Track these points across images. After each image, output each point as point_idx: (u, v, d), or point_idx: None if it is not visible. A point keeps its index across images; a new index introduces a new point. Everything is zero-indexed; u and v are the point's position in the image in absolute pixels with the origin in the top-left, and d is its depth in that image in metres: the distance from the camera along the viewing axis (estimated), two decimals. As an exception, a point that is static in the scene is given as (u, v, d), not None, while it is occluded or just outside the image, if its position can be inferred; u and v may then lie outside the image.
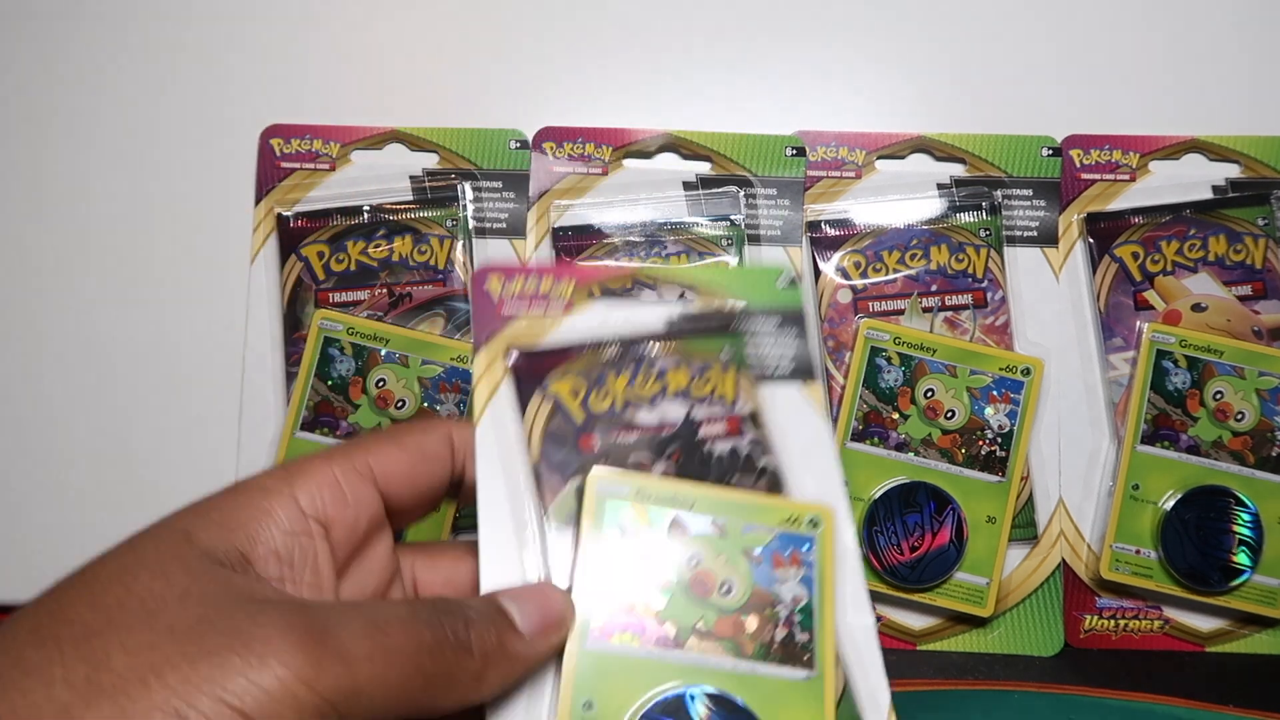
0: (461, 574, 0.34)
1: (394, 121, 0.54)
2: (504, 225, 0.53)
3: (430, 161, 0.53)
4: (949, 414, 0.49)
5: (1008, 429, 0.49)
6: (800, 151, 0.53)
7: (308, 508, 0.29)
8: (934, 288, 0.51)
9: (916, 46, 0.55)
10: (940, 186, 0.52)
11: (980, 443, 0.49)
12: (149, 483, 0.52)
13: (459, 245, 0.52)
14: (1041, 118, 0.54)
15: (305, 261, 0.52)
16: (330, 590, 0.30)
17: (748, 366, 0.36)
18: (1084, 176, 0.52)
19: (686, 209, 0.52)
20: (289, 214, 0.52)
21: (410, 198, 0.53)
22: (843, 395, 0.50)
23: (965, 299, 0.51)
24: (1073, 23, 0.56)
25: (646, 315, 0.36)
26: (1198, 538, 0.48)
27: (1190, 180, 0.52)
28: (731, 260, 0.51)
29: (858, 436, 0.50)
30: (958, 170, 0.53)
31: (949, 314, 0.51)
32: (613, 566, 0.32)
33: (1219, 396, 0.49)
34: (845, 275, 0.51)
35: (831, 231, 0.52)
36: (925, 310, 0.51)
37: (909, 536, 0.49)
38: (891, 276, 0.51)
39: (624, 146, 0.53)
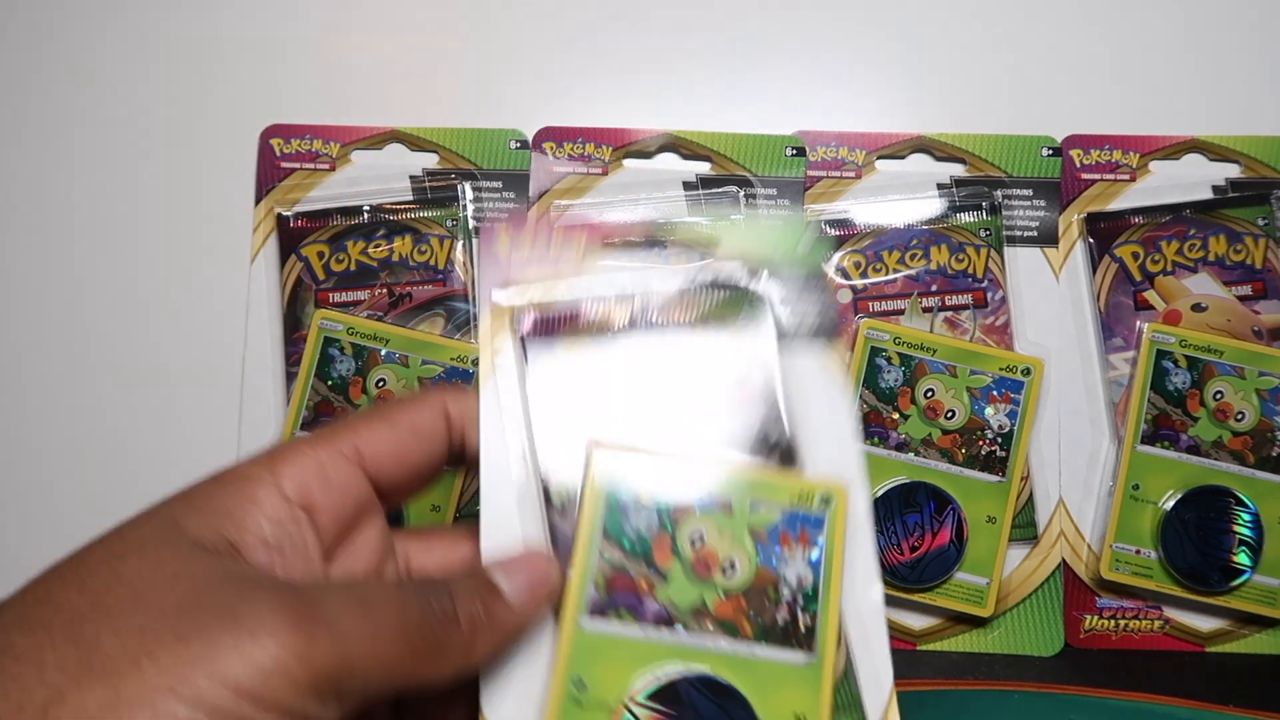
0: (456, 557, 0.33)
1: (394, 121, 0.54)
2: (504, 225, 0.53)
3: (430, 161, 0.53)
4: (949, 414, 0.49)
5: (1008, 429, 0.49)
6: (800, 151, 0.53)
7: (291, 494, 0.29)
8: (934, 288, 0.51)
9: (916, 46, 0.55)
10: (940, 186, 0.52)
11: (980, 443, 0.49)
12: (149, 483, 0.52)
13: (459, 245, 0.52)
14: (1041, 118, 0.54)
15: (305, 261, 0.52)
16: (320, 575, 0.30)
17: (764, 330, 0.34)
18: (1084, 176, 0.52)
19: (686, 209, 0.52)
20: (289, 214, 0.52)
21: (410, 198, 0.53)
22: (843, 395, 0.50)
23: (965, 299, 0.51)
24: (1073, 23, 0.56)
25: (659, 277, 0.34)
26: (1198, 538, 0.48)
27: (1190, 180, 0.52)
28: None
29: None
30: (958, 170, 0.53)
31: (949, 314, 0.51)
32: (612, 543, 0.31)
33: (1219, 396, 0.49)
34: (845, 275, 0.51)
35: (831, 231, 0.52)
36: (925, 310, 0.51)
37: (909, 536, 0.49)
38: (891, 276, 0.51)
39: (624, 146, 0.53)
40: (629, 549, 0.31)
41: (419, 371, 0.50)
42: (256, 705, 0.23)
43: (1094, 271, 0.52)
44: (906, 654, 0.50)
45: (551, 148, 0.53)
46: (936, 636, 0.50)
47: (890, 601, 0.50)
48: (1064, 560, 0.50)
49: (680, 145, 0.53)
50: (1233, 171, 0.53)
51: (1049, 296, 0.51)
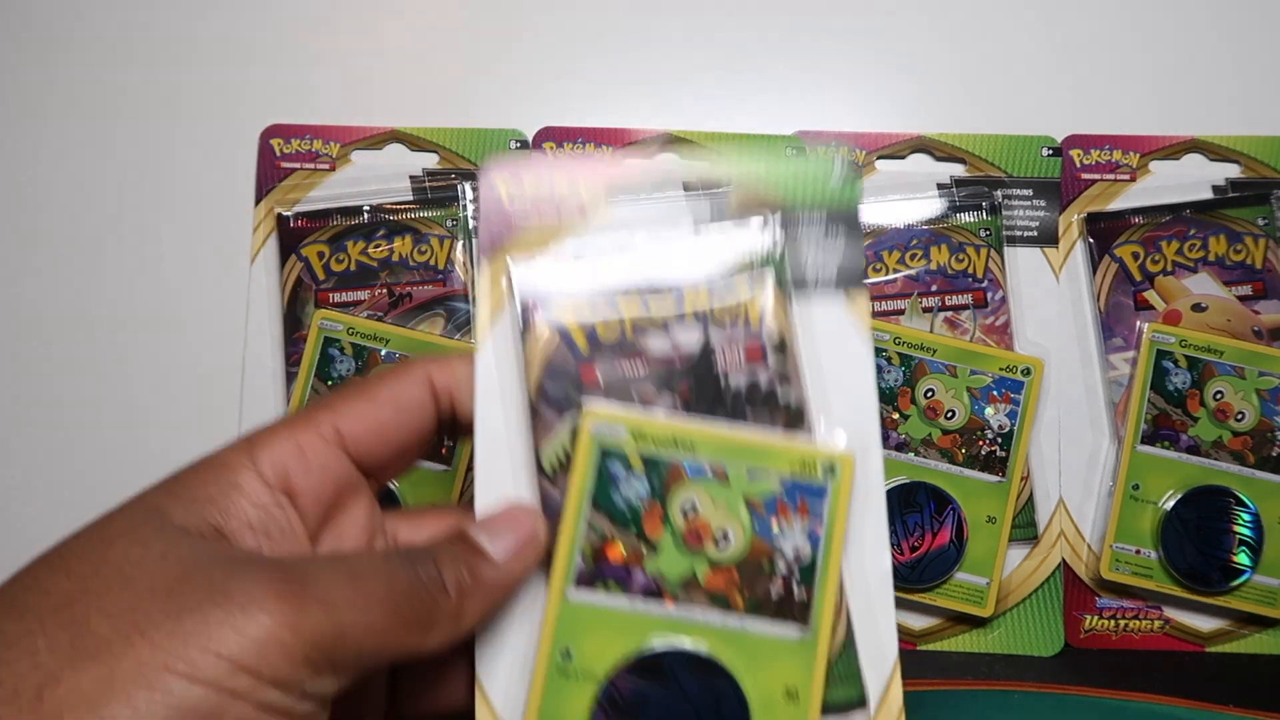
0: (445, 533, 0.33)
1: (394, 121, 0.54)
2: (504, 225, 0.53)
3: (430, 161, 0.53)
4: (949, 414, 0.49)
5: (1008, 429, 0.49)
6: (800, 151, 0.53)
7: (271, 479, 0.28)
8: (934, 288, 0.51)
9: (916, 46, 0.55)
10: (940, 186, 0.52)
11: (980, 443, 0.49)
12: (149, 483, 0.52)
13: (459, 245, 0.52)
14: (1041, 118, 0.54)
15: (305, 261, 0.52)
16: (308, 555, 0.29)
17: (782, 279, 0.32)
18: (1084, 176, 0.52)
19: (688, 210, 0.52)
20: (289, 214, 0.52)
21: (410, 198, 0.53)
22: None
23: (965, 299, 0.51)
24: (1073, 23, 0.56)
25: (670, 221, 0.32)
26: (1198, 538, 0.48)
27: (1190, 180, 0.52)
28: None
29: (858, 436, 0.50)
30: (958, 170, 0.53)
31: (949, 314, 0.51)
32: (601, 513, 0.30)
33: (1219, 396, 0.49)
34: (845, 275, 0.51)
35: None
36: (925, 310, 0.51)
37: (909, 536, 0.49)
38: (891, 276, 0.51)
39: (624, 146, 0.53)
40: (618, 519, 0.30)
41: (419, 371, 0.50)
42: (253, 677, 0.23)
43: (1094, 271, 0.52)
44: (906, 654, 0.50)
45: (551, 147, 0.53)
46: (936, 636, 0.50)
47: (890, 601, 0.50)
48: (1064, 560, 0.50)
49: (681, 145, 0.53)
50: (1233, 171, 0.53)
51: (1049, 296, 0.51)
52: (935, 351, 0.50)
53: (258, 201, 0.53)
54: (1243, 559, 0.48)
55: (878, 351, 0.50)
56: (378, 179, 0.53)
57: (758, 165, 0.33)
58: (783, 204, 0.32)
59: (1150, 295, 0.51)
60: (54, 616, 0.24)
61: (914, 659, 0.50)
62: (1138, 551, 0.49)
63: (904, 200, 0.52)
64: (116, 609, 0.24)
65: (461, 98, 0.55)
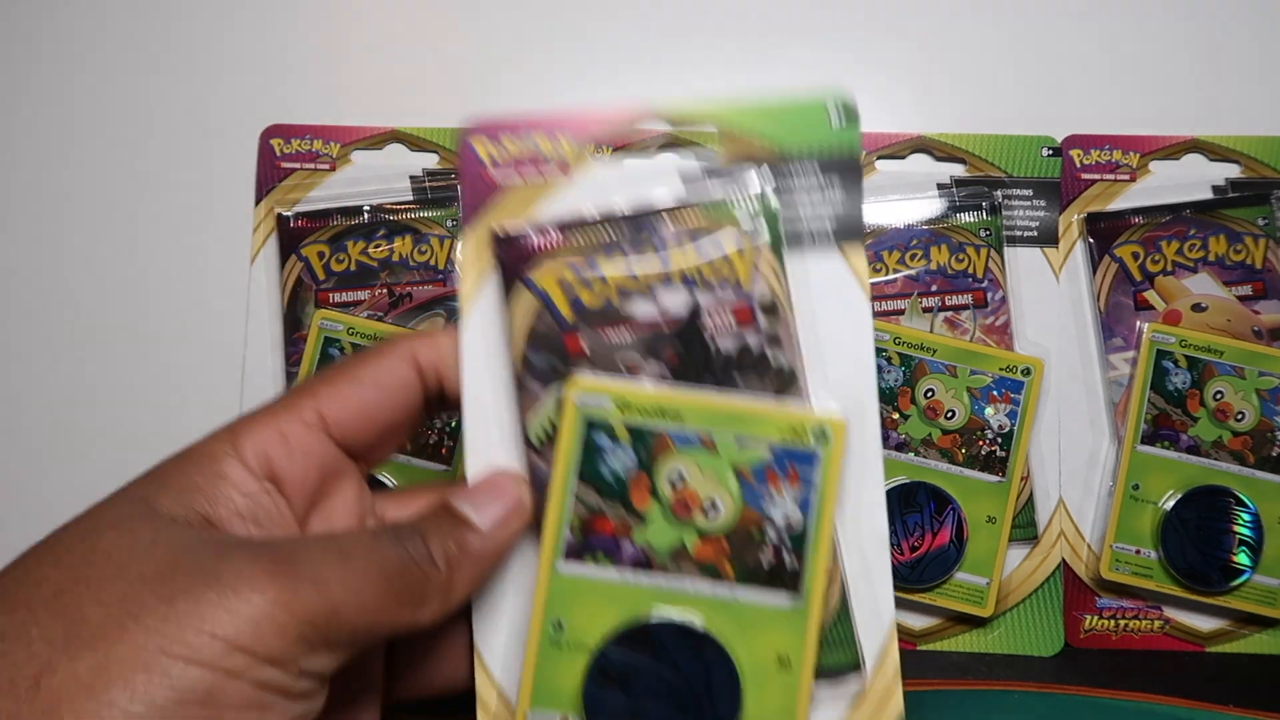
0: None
1: (394, 121, 0.54)
2: (504, 225, 0.52)
3: (430, 161, 0.53)
4: (949, 414, 0.49)
5: (1008, 429, 0.49)
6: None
7: (255, 467, 0.28)
8: (934, 288, 0.51)
9: (916, 46, 0.55)
10: (940, 186, 0.52)
11: (980, 443, 0.49)
12: (149, 483, 0.52)
13: (459, 245, 0.52)
14: (1041, 118, 0.54)
15: (305, 261, 0.52)
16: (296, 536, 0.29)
17: (773, 235, 0.31)
18: (1084, 176, 0.52)
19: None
20: (289, 214, 0.52)
21: (410, 198, 0.53)
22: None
23: (965, 299, 0.51)
24: (1073, 23, 0.56)
25: (655, 175, 0.31)
26: (1198, 538, 0.48)
27: (1190, 180, 0.52)
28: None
29: (858, 436, 0.50)
30: (958, 170, 0.53)
31: (949, 314, 0.51)
32: (588, 485, 0.30)
33: (1219, 396, 0.49)
34: (845, 275, 0.51)
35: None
36: (925, 310, 0.51)
37: (909, 536, 0.49)
38: (891, 276, 0.51)
39: (624, 146, 0.53)
40: (606, 491, 0.30)
41: (419, 371, 0.50)
42: (249, 656, 0.24)
43: (1094, 271, 0.52)
44: (906, 654, 0.50)
45: (551, 148, 0.53)
46: (936, 636, 0.50)
47: (890, 601, 0.50)
48: (1064, 560, 0.50)
49: (681, 145, 0.53)
50: (1233, 171, 0.53)
51: (1049, 296, 0.51)
52: (935, 351, 0.50)
53: (258, 201, 0.53)
54: (1243, 559, 0.48)
55: (878, 352, 0.50)
56: (378, 179, 0.53)
57: (746, 107, 0.31)
58: (774, 151, 0.31)
59: (1150, 295, 0.51)
60: (47, 607, 0.24)
61: (914, 659, 0.50)
62: (1138, 551, 0.49)
63: (904, 200, 0.52)
64: (109, 597, 0.24)
65: (461, 98, 0.55)
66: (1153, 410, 0.49)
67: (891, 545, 0.49)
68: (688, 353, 0.30)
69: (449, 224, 0.52)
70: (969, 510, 0.49)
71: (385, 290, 0.52)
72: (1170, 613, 0.50)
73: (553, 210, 0.31)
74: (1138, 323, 0.51)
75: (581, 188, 0.31)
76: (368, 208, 0.52)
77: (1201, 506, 0.48)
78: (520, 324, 0.31)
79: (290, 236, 0.52)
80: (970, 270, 0.51)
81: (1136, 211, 0.52)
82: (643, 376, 0.30)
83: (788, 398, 0.30)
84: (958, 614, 0.49)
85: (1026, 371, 0.49)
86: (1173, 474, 0.49)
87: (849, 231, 0.31)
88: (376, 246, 0.52)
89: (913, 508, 0.49)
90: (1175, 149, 0.53)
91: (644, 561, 0.30)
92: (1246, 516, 0.48)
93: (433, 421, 0.50)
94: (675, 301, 0.31)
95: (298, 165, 0.53)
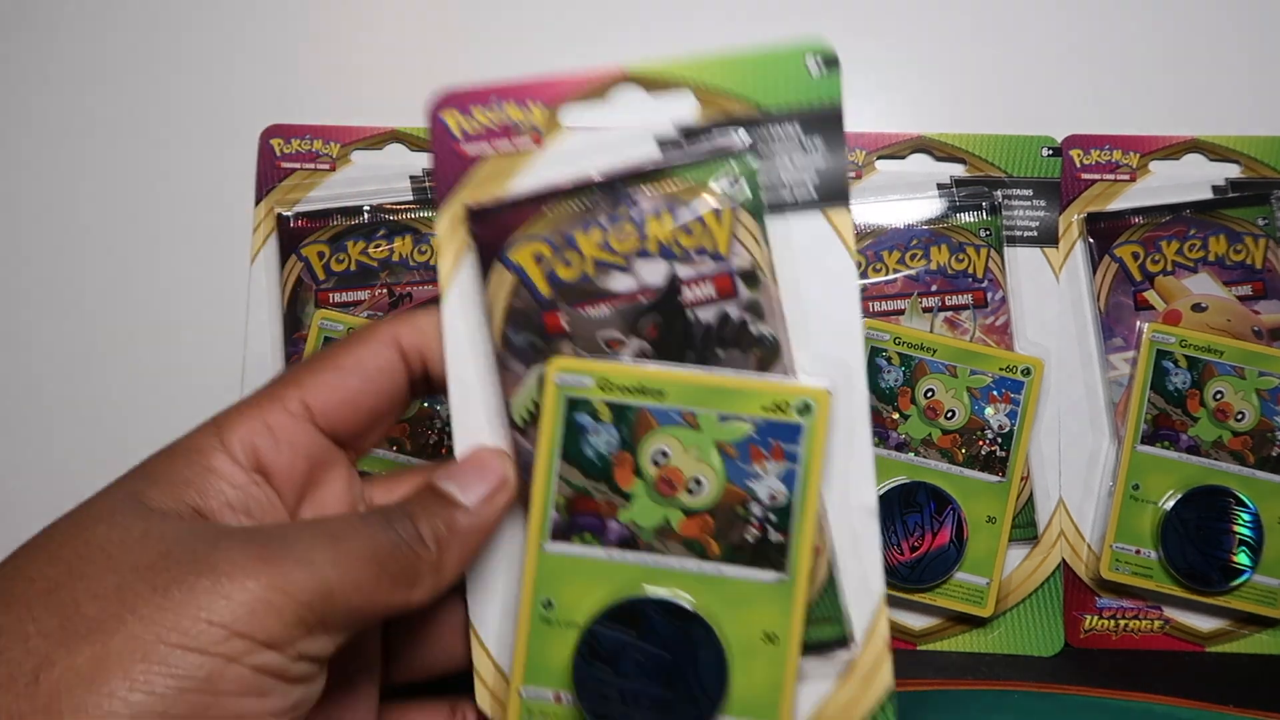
0: None
1: (394, 121, 0.54)
2: (504, 225, 0.52)
3: (430, 162, 0.53)
4: (949, 414, 0.49)
5: (1008, 429, 0.49)
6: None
7: (243, 460, 0.28)
8: (934, 288, 0.51)
9: (916, 46, 0.55)
10: (940, 186, 0.52)
11: (980, 443, 0.49)
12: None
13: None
14: (1041, 118, 0.54)
15: (305, 261, 0.52)
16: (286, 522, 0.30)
17: (753, 196, 0.30)
18: (1084, 176, 0.52)
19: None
20: (289, 214, 0.52)
21: (410, 198, 0.53)
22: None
23: (965, 299, 0.51)
24: (1073, 23, 0.56)
25: (630, 142, 0.30)
26: (1198, 538, 0.48)
27: (1190, 180, 0.52)
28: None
29: (858, 436, 0.50)
30: (958, 170, 0.53)
31: (949, 314, 0.51)
32: (572, 466, 0.30)
33: (1219, 396, 0.49)
34: (845, 275, 0.51)
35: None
36: (925, 310, 0.51)
37: (909, 536, 0.49)
38: (891, 276, 0.51)
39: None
40: (589, 470, 0.30)
41: (419, 371, 0.50)
42: (247, 641, 0.24)
43: (1094, 271, 0.52)
44: (906, 654, 0.50)
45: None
46: (936, 636, 0.50)
47: (890, 601, 0.50)
48: (1064, 560, 0.50)
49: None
50: (1233, 171, 0.52)
51: (1049, 296, 0.51)
52: (935, 351, 0.50)
53: (258, 201, 0.53)
54: (1243, 559, 0.48)
55: (878, 352, 0.50)
56: (378, 179, 0.53)
57: (721, 63, 0.31)
58: (752, 108, 0.30)
59: (1150, 295, 0.51)
60: (42, 603, 0.24)
61: (914, 659, 0.50)
62: (1138, 551, 0.49)
63: (904, 200, 0.52)
64: (104, 590, 0.24)
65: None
66: (1153, 410, 0.49)
67: (891, 545, 0.49)
68: (668, 326, 0.30)
69: (449, 224, 0.52)
70: (969, 510, 0.49)
71: (385, 290, 0.52)
72: (1170, 613, 0.50)
73: (527, 182, 0.30)
74: (1138, 323, 0.51)
75: (556, 156, 0.30)
76: (368, 208, 0.52)
77: (1201, 506, 0.48)
78: (499, 302, 0.30)
79: (290, 236, 0.52)
80: (970, 270, 0.51)
81: (1136, 211, 0.52)
82: (623, 352, 0.30)
83: (771, 369, 0.30)
84: (958, 614, 0.49)
85: (1026, 371, 0.49)
86: (1173, 474, 0.49)
87: (833, 191, 0.29)
88: (376, 246, 0.52)
89: (913, 508, 0.49)
90: (1175, 149, 0.53)
91: (630, 540, 0.30)
92: (1246, 516, 0.48)
93: (433, 421, 0.50)
94: (653, 273, 0.30)
95: (298, 165, 0.53)
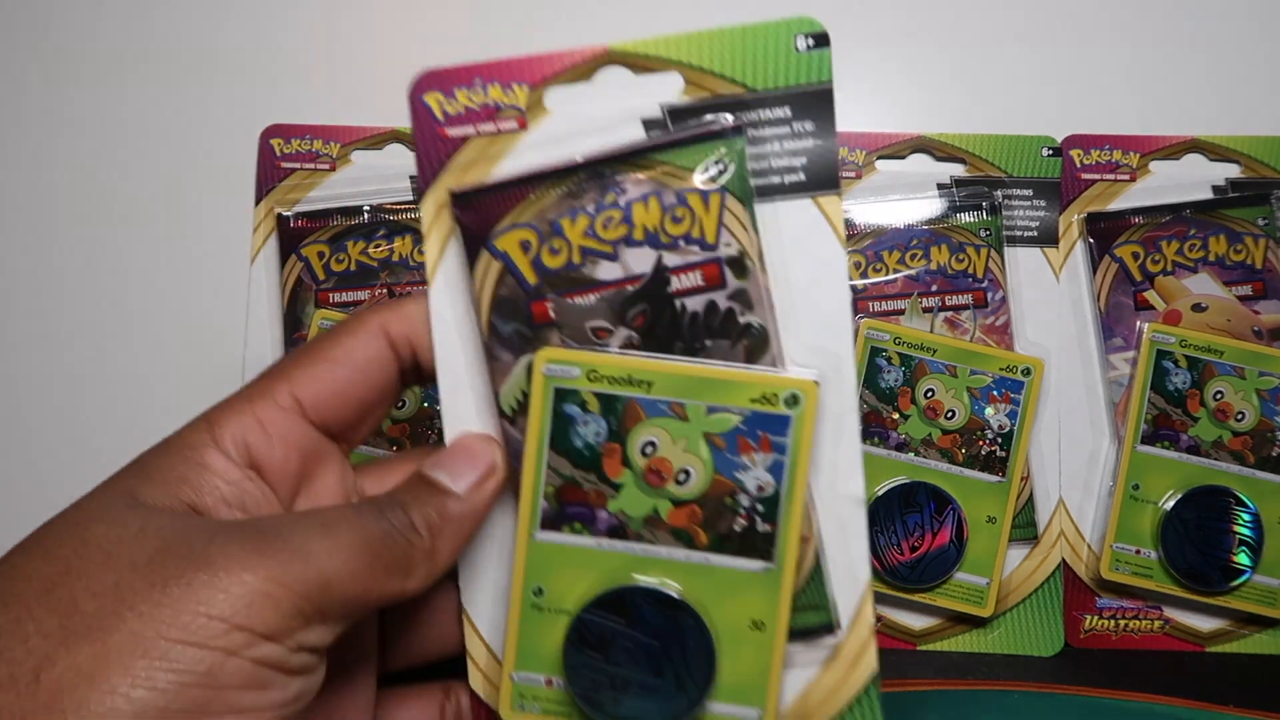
0: None
1: (394, 121, 0.54)
2: (504, 225, 0.52)
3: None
4: (949, 414, 0.49)
5: (1008, 429, 0.49)
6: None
7: (235, 456, 0.29)
8: (934, 288, 0.51)
9: (916, 46, 0.55)
10: (940, 186, 0.52)
11: (980, 443, 0.49)
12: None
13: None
14: (1041, 118, 0.54)
15: (305, 261, 0.52)
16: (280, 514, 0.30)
17: (741, 180, 0.29)
18: (1084, 176, 0.52)
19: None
20: (289, 214, 0.52)
21: (410, 198, 0.53)
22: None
23: (965, 299, 0.51)
24: (1073, 23, 0.56)
25: (616, 121, 0.30)
26: (1198, 538, 0.48)
27: (1190, 180, 0.52)
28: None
29: (858, 436, 0.50)
30: (958, 170, 0.53)
31: (949, 314, 0.51)
32: (560, 456, 0.30)
33: (1219, 396, 0.49)
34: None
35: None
36: (925, 310, 0.51)
37: (909, 536, 0.49)
38: (891, 276, 0.51)
39: (624, 146, 0.53)
40: (578, 461, 0.30)
41: (419, 371, 0.50)
42: (246, 633, 0.24)
43: (1094, 271, 0.52)
44: (906, 654, 0.50)
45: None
46: (936, 636, 0.50)
47: (890, 601, 0.50)
48: (1064, 560, 0.50)
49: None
50: (1233, 171, 0.52)
51: (1049, 296, 0.51)
52: (935, 351, 0.50)
53: (258, 201, 0.53)
54: (1243, 559, 0.48)
55: (878, 352, 0.50)
56: (378, 179, 0.53)
57: (708, 43, 0.30)
58: (740, 88, 0.29)
59: (1150, 295, 0.51)
60: (40, 601, 0.24)
61: (914, 659, 0.50)
62: (1138, 551, 0.49)
63: (904, 200, 0.52)
64: (102, 587, 0.24)
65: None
66: (1153, 410, 0.49)
67: (892, 545, 0.49)
68: (656, 315, 0.30)
69: (449, 224, 0.52)
70: (969, 510, 0.49)
71: (385, 290, 0.52)
72: (1170, 613, 0.50)
73: (511, 165, 0.30)
74: (1138, 323, 0.51)
75: (541, 139, 0.30)
76: (368, 208, 0.52)
77: (1201, 506, 0.48)
78: (485, 290, 0.30)
79: (290, 236, 0.52)
80: (970, 270, 0.51)
81: (1136, 211, 0.52)
82: (611, 341, 0.30)
83: (759, 359, 0.30)
84: (958, 614, 0.49)
85: (1026, 371, 0.49)
86: (1173, 474, 0.49)
87: (823, 177, 0.29)
88: (376, 246, 0.52)
89: (913, 508, 0.49)
90: (1175, 149, 0.53)
91: (619, 529, 0.30)
92: (1246, 516, 0.48)
93: (433, 422, 0.50)
94: (640, 260, 0.30)
95: (298, 165, 0.53)
